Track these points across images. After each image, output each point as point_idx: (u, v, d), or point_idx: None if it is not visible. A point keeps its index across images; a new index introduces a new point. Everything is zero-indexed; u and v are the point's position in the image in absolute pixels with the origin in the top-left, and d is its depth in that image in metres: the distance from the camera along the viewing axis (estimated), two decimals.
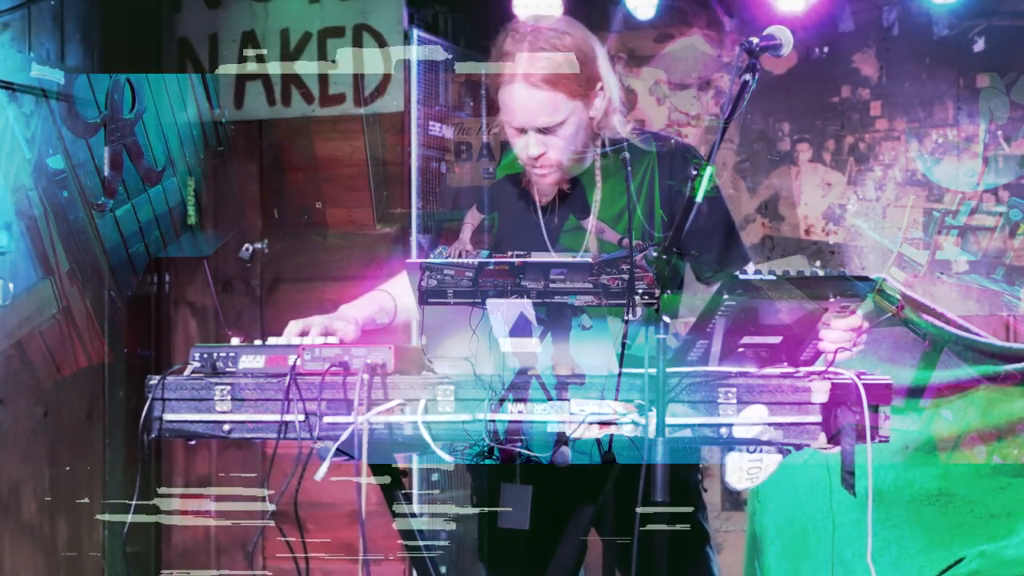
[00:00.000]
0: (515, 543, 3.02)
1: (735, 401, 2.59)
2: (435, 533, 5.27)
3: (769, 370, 2.70)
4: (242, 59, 5.67)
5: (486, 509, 3.13)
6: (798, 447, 2.59)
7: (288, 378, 2.76)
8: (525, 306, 2.67)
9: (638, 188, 3.11)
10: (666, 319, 2.58)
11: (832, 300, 2.73)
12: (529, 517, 2.90)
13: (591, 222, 3.12)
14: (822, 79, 5.56)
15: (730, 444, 2.62)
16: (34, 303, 5.11)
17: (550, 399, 2.64)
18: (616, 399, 2.61)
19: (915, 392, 4.71)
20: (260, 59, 5.66)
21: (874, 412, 2.64)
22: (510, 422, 2.66)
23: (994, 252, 5.37)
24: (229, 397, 2.82)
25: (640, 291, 2.60)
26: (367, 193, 5.54)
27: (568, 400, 2.64)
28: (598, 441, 2.66)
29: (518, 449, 2.67)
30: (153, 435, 2.86)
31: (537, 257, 2.71)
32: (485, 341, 2.71)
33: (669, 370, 2.57)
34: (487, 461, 2.93)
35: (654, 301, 2.59)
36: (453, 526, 5.36)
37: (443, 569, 3.17)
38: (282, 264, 5.66)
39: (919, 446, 4.70)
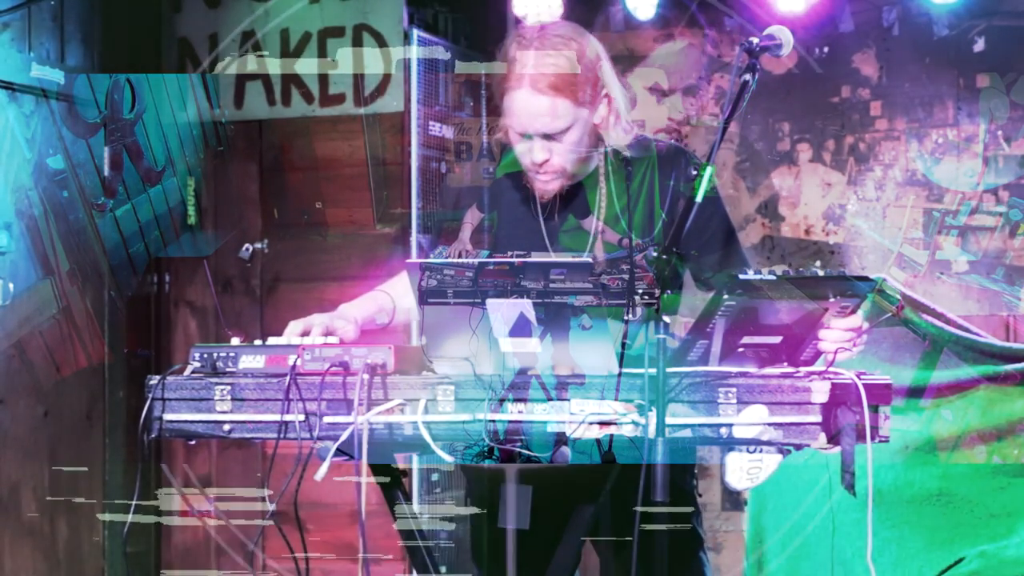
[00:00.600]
0: (515, 543, 3.02)
1: (735, 401, 2.59)
2: (435, 533, 5.29)
3: (769, 370, 2.70)
4: (242, 59, 5.67)
5: (485, 509, 3.13)
6: (798, 447, 2.59)
7: (288, 378, 2.76)
8: (525, 306, 2.67)
9: (637, 189, 3.11)
10: (666, 319, 2.58)
11: (832, 300, 2.73)
12: (529, 517, 2.90)
13: (593, 223, 3.12)
14: (822, 79, 5.56)
15: (730, 444, 2.62)
16: (34, 303, 5.11)
17: (550, 399, 2.64)
18: (616, 399, 2.61)
19: (915, 392, 4.71)
20: (260, 58, 5.66)
21: (874, 412, 2.64)
22: (510, 422, 2.66)
23: (994, 252, 5.37)
24: (229, 397, 2.82)
25: (640, 291, 2.60)
26: (367, 193, 5.54)
27: (568, 400, 2.64)
28: (598, 441, 2.66)
29: (518, 449, 2.67)
30: (153, 435, 2.86)
31: (537, 257, 2.71)
32: (485, 341, 2.71)
33: (669, 370, 2.57)
34: (487, 461, 2.94)
35: (654, 301, 2.59)
36: (453, 526, 5.36)
37: (443, 569, 3.17)
38: (282, 264, 5.66)
39: (919, 446, 4.70)
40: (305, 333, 2.95)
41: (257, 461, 5.55)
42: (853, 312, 2.77)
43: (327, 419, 2.74)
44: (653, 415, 2.54)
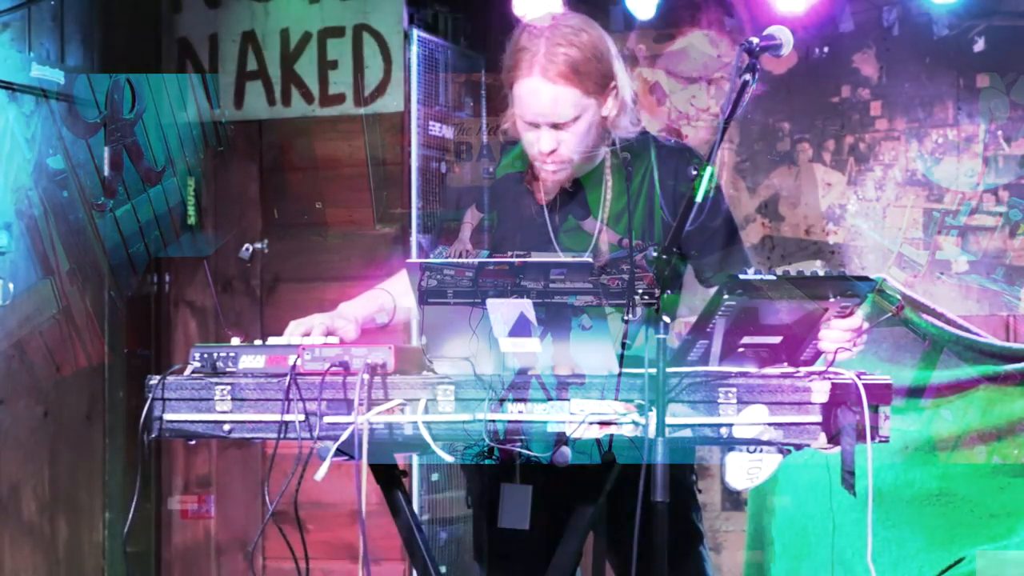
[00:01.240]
0: (514, 543, 3.02)
1: (735, 401, 2.59)
2: (435, 533, 5.29)
3: (769, 370, 2.70)
4: (242, 59, 5.67)
5: (484, 509, 3.13)
6: (798, 447, 2.59)
7: (288, 378, 2.76)
8: (525, 306, 2.67)
9: (638, 189, 3.12)
10: (666, 319, 2.58)
11: (832, 300, 2.73)
12: (529, 517, 2.90)
13: (592, 224, 3.12)
14: (822, 79, 5.55)
15: (730, 444, 2.62)
16: (34, 303, 5.11)
17: (550, 399, 2.64)
18: (616, 399, 2.62)
19: (915, 392, 4.71)
20: (260, 59, 5.66)
21: (874, 412, 2.64)
22: (510, 422, 2.66)
23: (994, 252, 5.37)
24: (229, 397, 2.82)
25: (640, 291, 2.60)
26: (367, 193, 5.53)
27: (568, 400, 2.64)
28: (598, 441, 2.66)
29: (518, 449, 2.67)
30: (153, 435, 2.86)
31: (537, 257, 2.71)
32: (485, 341, 2.71)
33: (669, 370, 2.57)
34: (487, 461, 2.94)
35: (654, 301, 2.59)
36: (453, 526, 5.36)
37: (443, 569, 3.17)
38: (282, 264, 5.66)
39: (919, 446, 4.70)
40: (306, 334, 2.95)
41: (257, 461, 5.55)
42: (853, 312, 2.77)
43: (327, 419, 2.75)
44: (653, 415, 2.54)
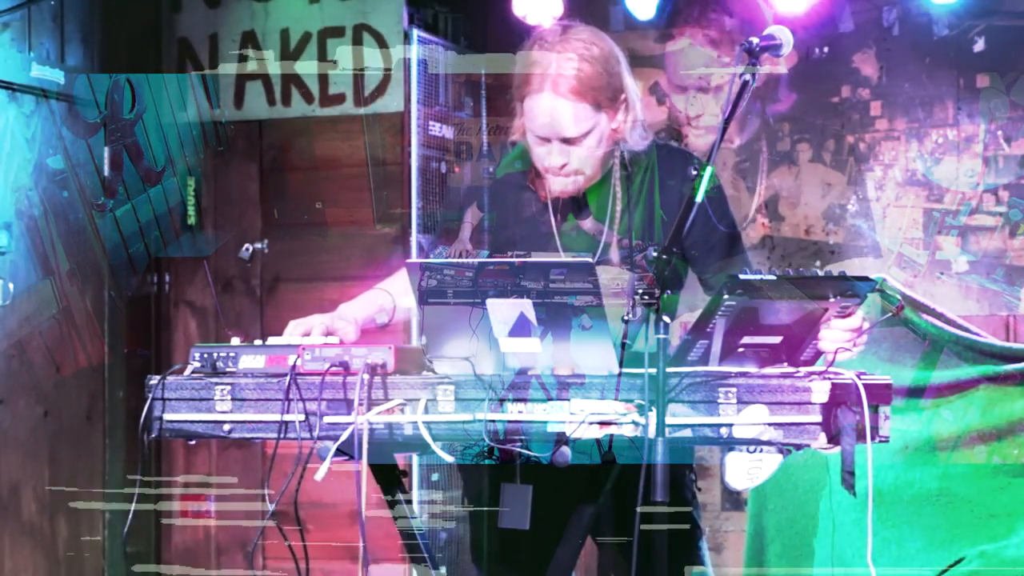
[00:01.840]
0: (514, 543, 3.02)
1: (735, 401, 2.59)
2: (435, 533, 5.29)
3: (769, 370, 2.70)
4: (242, 59, 5.68)
5: (485, 509, 3.13)
6: (798, 447, 2.59)
7: (288, 378, 2.77)
8: (525, 306, 2.67)
9: (638, 190, 3.12)
10: (666, 319, 2.58)
11: (832, 300, 2.73)
12: (529, 517, 2.90)
13: (595, 225, 3.12)
14: (822, 79, 5.55)
15: (730, 444, 2.62)
16: (34, 303, 5.11)
17: (550, 399, 2.65)
18: (616, 399, 2.62)
19: (915, 392, 4.70)
20: (260, 59, 5.66)
21: (874, 412, 2.65)
22: (510, 422, 2.66)
23: (994, 252, 5.37)
24: (229, 397, 2.82)
25: (640, 291, 2.60)
26: (367, 193, 5.54)
27: (568, 400, 2.64)
28: (598, 441, 2.66)
29: (518, 449, 2.67)
30: (153, 435, 2.86)
31: (537, 257, 2.71)
32: (485, 341, 2.71)
33: (669, 370, 2.57)
34: (487, 461, 2.94)
35: (654, 301, 2.59)
36: (453, 526, 5.36)
37: (443, 569, 3.17)
38: (282, 264, 5.66)
39: (919, 446, 4.70)
40: (305, 334, 2.95)
41: (257, 461, 5.55)
42: (853, 312, 2.77)
43: (327, 419, 2.75)
44: (653, 415, 2.54)
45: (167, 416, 2.86)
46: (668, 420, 2.56)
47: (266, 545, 5.26)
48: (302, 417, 2.76)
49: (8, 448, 5.00)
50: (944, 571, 4.59)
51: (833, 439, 2.58)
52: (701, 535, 3.18)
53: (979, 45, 5.38)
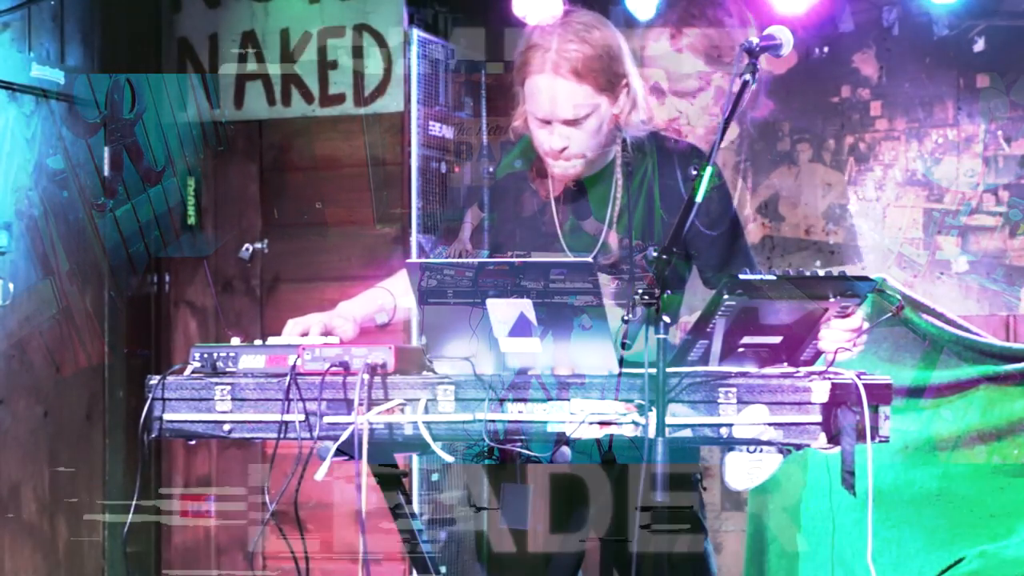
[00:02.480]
0: (515, 543, 3.02)
1: (735, 401, 2.59)
2: (435, 533, 5.29)
3: (769, 370, 2.70)
4: (242, 59, 5.68)
5: (486, 508, 3.13)
6: (798, 447, 2.59)
7: (288, 378, 2.76)
8: (525, 306, 2.67)
9: (638, 188, 3.12)
10: (666, 319, 2.58)
11: (832, 300, 2.73)
12: (528, 517, 2.90)
13: (596, 225, 3.12)
14: (822, 79, 5.55)
15: (730, 444, 2.62)
16: (34, 303, 5.11)
17: (550, 399, 2.64)
18: (616, 399, 2.61)
19: (915, 392, 4.71)
20: (260, 59, 5.66)
21: (874, 412, 2.64)
22: (510, 422, 2.66)
23: (994, 252, 5.37)
24: (229, 397, 2.82)
25: (640, 291, 2.60)
26: (367, 193, 5.54)
27: (568, 400, 2.64)
28: (598, 441, 2.66)
29: (518, 449, 2.67)
30: (153, 435, 2.86)
31: (537, 257, 2.71)
32: (485, 341, 2.71)
33: (669, 370, 2.57)
34: (487, 461, 2.94)
35: (654, 301, 2.59)
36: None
37: (443, 569, 3.17)
38: (282, 264, 5.66)
39: (919, 446, 4.70)
40: (304, 333, 2.95)
41: (257, 461, 5.55)
42: (853, 312, 2.77)
43: (327, 419, 2.74)
44: (653, 415, 2.54)
45: (167, 416, 2.85)
46: (668, 420, 2.56)
47: (266, 545, 5.26)
48: (302, 417, 2.76)
49: (8, 448, 5.00)
50: (944, 571, 4.59)
51: (833, 439, 2.58)
52: (706, 535, 3.18)
53: (979, 45, 5.38)
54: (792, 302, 2.70)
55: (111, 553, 5.38)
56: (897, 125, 5.50)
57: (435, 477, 5.37)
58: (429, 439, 2.70)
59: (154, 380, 2.86)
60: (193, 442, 4.65)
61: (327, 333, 2.95)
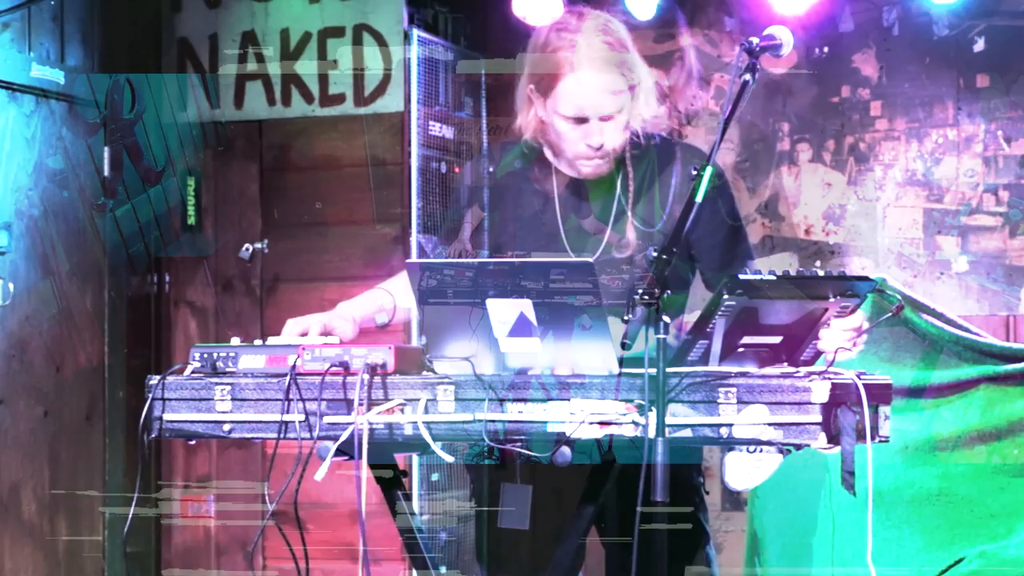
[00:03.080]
0: (515, 543, 3.02)
1: (735, 401, 2.59)
2: (435, 533, 5.29)
3: (769, 370, 2.70)
4: (242, 59, 5.67)
5: (486, 508, 3.13)
6: (798, 447, 2.59)
7: (288, 378, 2.76)
8: (525, 306, 2.67)
9: (638, 188, 3.12)
10: (666, 319, 2.58)
11: (832, 300, 2.73)
12: (529, 517, 2.90)
13: (592, 224, 3.12)
14: (822, 79, 5.55)
15: (730, 444, 2.62)
16: (34, 303, 5.11)
17: (550, 399, 2.64)
18: (616, 399, 2.61)
19: (915, 392, 4.70)
20: (260, 59, 5.66)
21: (874, 412, 2.64)
22: (510, 422, 2.66)
23: (994, 252, 5.37)
24: (229, 397, 2.82)
25: (640, 291, 2.60)
26: (367, 193, 5.54)
27: (568, 400, 2.64)
28: (598, 441, 2.66)
29: (518, 449, 2.67)
30: (153, 435, 2.86)
31: (537, 257, 2.71)
32: (485, 341, 2.71)
33: (669, 370, 2.57)
34: (487, 461, 2.94)
35: (654, 301, 2.59)
36: (453, 526, 5.36)
37: (443, 569, 3.17)
38: (282, 264, 5.66)
39: (919, 446, 4.70)
40: (303, 333, 2.95)
41: (257, 461, 5.55)
42: (853, 312, 2.77)
43: (327, 419, 2.75)
44: (653, 415, 2.54)
45: (167, 416, 2.85)
46: (668, 420, 2.56)
47: (266, 545, 5.26)
48: (302, 417, 2.76)
49: (8, 448, 5.00)
50: (944, 571, 4.59)
51: (833, 439, 2.58)
52: (709, 540, 3.17)
53: (979, 45, 5.38)
54: (792, 302, 2.70)
55: (111, 553, 5.38)
56: (897, 125, 5.50)
57: (435, 477, 5.37)
58: (429, 439, 2.70)
59: (154, 380, 2.86)
60: (193, 442, 4.66)
61: (326, 333, 2.95)
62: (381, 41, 5.54)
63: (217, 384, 2.83)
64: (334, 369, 2.76)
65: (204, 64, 5.72)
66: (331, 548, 5.23)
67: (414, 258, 4.91)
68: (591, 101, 3.01)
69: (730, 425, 2.59)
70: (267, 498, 2.79)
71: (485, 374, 2.70)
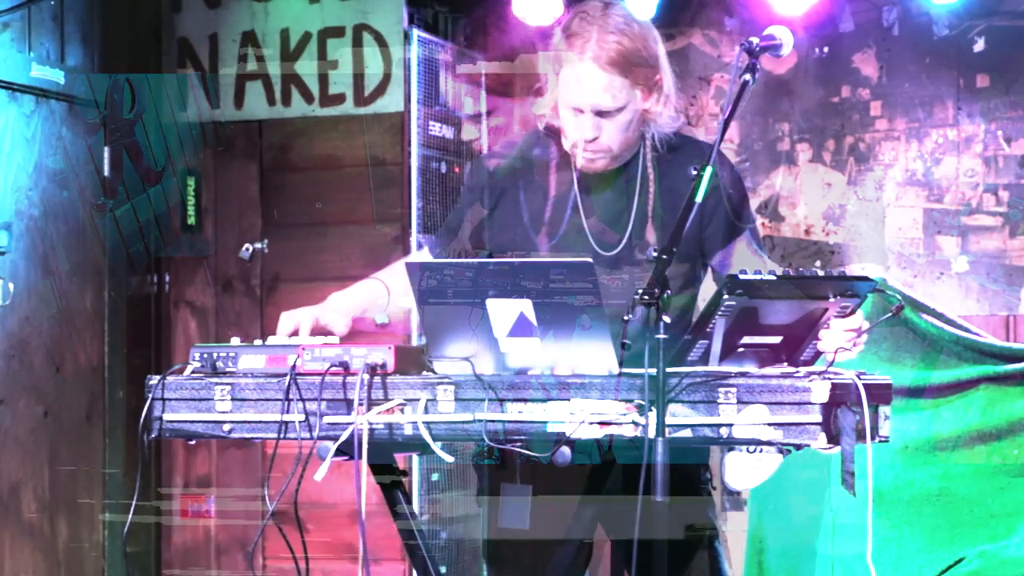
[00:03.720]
0: (515, 543, 3.02)
1: (735, 401, 2.59)
2: (435, 533, 5.29)
3: (769, 370, 2.70)
4: (242, 59, 5.68)
5: (487, 508, 3.13)
6: (798, 447, 2.59)
7: (288, 378, 2.76)
8: (525, 306, 2.67)
9: (637, 188, 3.12)
10: (666, 319, 2.58)
11: (832, 300, 2.73)
12: (529, 517, 2.90)
13: (604, 228, 3.12)
14: (822, 79, 5.56)
15: (730, 444, 2.62)
16: (34, 303, 5.11)
17: (550, 399, 2.64)
18: (616, 399, 2.61)
19: (915, 392, 4.71)
20: (260, 59, 5.66)
21: (874, 412, 2.64)
22: (510, 422, 2.66)
23: (994, 252, 5.37)
24: (229, 397, 2.82)
25: (640, 291, 2.60)
26: (367, 193, 5.54)
27: (568, 400, 2.64)
28: (598, 441, 2.66)
29: (518, 449, 2.67)
30: (153, 435, 2.86)
31: (537, 257, 2.71)
32: (485, 341, 2.71)
33: (669, 370, 2.57)
34: (487, 461, 2.94)
35: (654, 301, 2.59)
36: (453, 526, 5.36)
37: (443, 569, 3.17)
38: (282, 264, 5.66)
39: (919, 446, 4.70)
40: (295, 332, 2.95)
41: (257, 461, 5.55)
42: (853, 312, 2.77)
43: (327, 419, 2.74)
44: (653, 415, 2.54)
45: (167, 416, 2.85)
46: (668, 420, 2.56)
47: (266, 545, 5.26)
48: (302, 417, 2.76)
49: (8, 448, 5.00)
50: (944, 571, 4.59)
51: (833, 439, 2.58)
52: (716, 535, 3.17)
53: (979, 45, 5.38)
54: (792, 302, 2.70)
55: (111, 553, 5.38)
56: (897, 125, 5.50)
57: (435, 477, 5.37)
58: (429, 439, 2.70)
59: (154, 380, 2.86)
60: (193, 442, 4.65)
61: (319, 327, 2.95)
62: (381, 41, 5.55)
63: (217, 384, 2.83)
64: (334, 369, 2.76)
65: (204, 64, 5.72)
66: (331, 548, 5.23)
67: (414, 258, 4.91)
68: (586, 94, 3.01)
69: (730, 425, 2.59)
70: (267, 498, 2.79)
71: (485, 374, 2.70)
